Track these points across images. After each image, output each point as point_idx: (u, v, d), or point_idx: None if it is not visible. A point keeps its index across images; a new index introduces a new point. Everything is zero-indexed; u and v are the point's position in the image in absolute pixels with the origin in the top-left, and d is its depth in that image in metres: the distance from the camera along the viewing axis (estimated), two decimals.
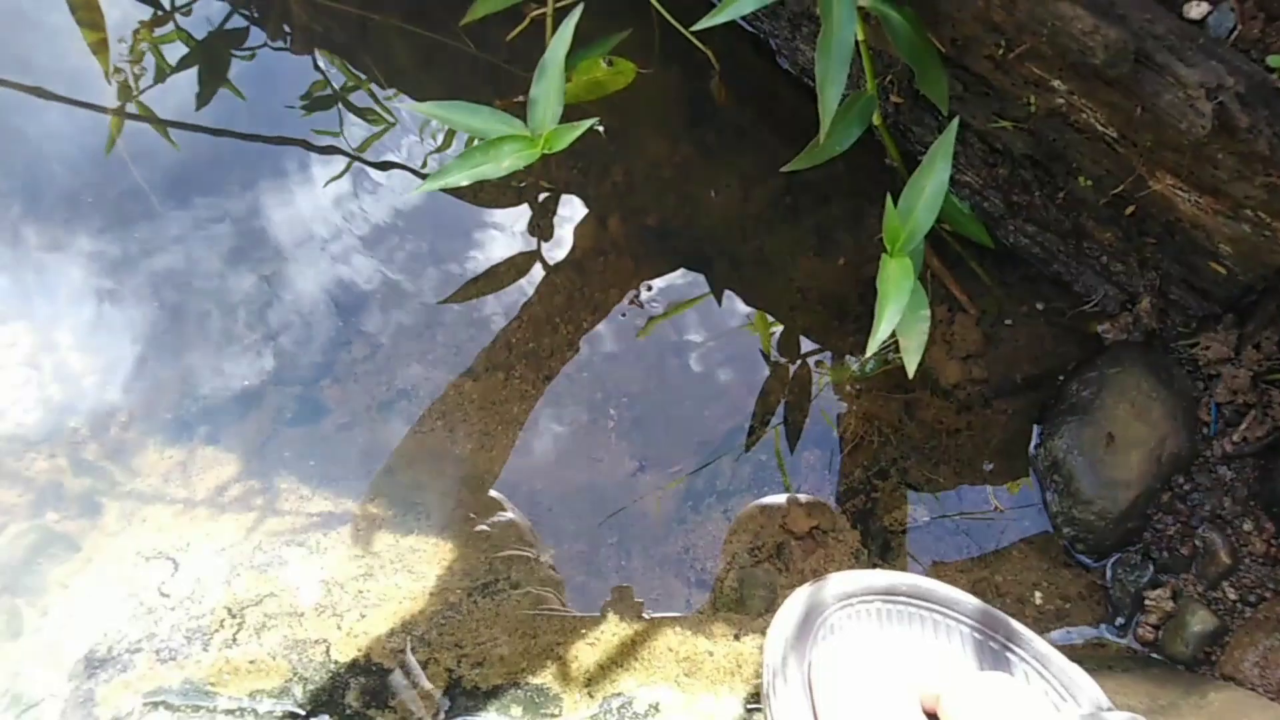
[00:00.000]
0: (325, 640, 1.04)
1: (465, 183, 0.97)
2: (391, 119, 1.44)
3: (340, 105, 1.45)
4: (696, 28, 0.89)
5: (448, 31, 1.41)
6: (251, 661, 1.00)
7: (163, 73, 1.48)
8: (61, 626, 1.02)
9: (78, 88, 1.44)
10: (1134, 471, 1.14)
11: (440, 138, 1.45)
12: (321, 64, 1.48)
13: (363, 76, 1.47)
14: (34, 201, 1.38)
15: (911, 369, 1.01)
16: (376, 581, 1.11)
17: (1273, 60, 0.92)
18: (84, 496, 1.15)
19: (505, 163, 0.98)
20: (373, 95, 1.48)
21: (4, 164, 1.40)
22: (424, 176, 1.37)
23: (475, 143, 1.01)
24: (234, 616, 1.04)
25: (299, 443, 1.25)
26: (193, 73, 1.46)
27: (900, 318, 0.97)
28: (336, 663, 1.02)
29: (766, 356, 1.31)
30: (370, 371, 1.30)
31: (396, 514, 1.21)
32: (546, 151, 1.00)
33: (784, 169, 1.05)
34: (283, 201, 1.40)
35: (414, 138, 1.44)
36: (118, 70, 1.46)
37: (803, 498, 1.21)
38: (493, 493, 1.23)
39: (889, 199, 0.98)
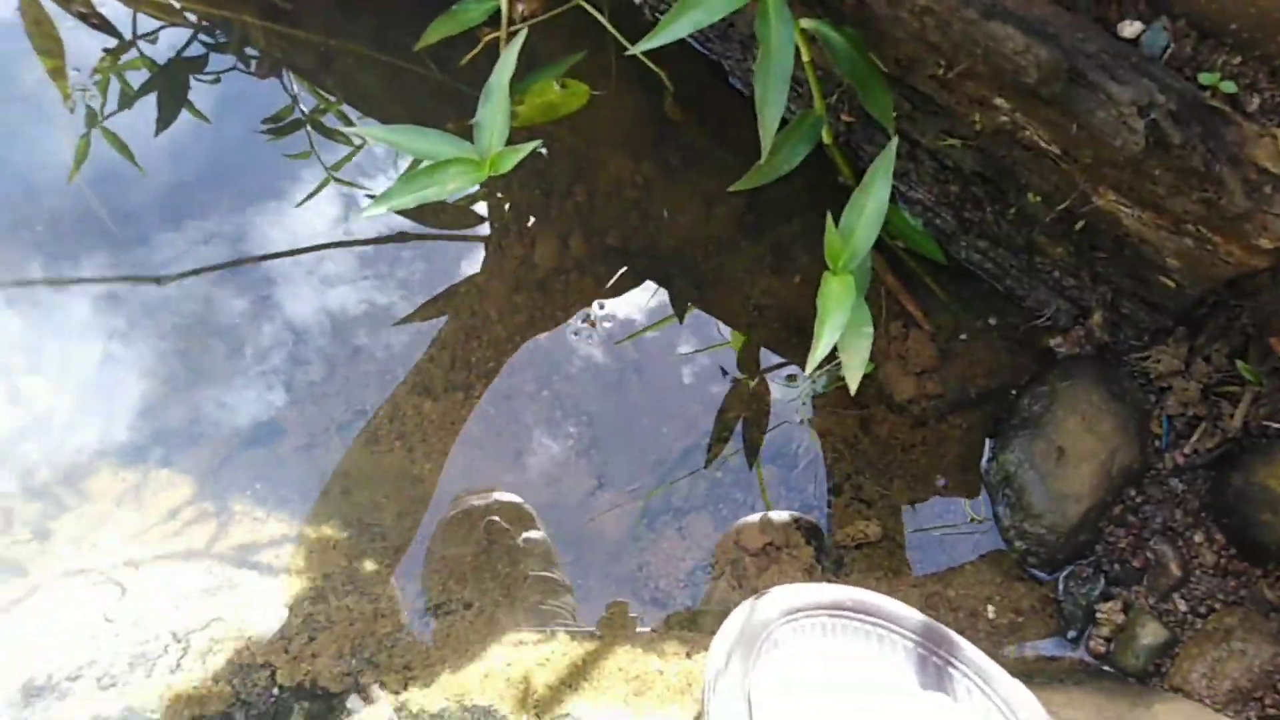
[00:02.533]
0: (271, 665, 1.03)
1: (410, 205, 0.97)
2: (360, 141, 1.45)
3: (309, 128, 1.46)
4: (637, 48, 0.90)
5: (410, 57, 1.42)
6: (195, 687, 0.99)
7: (126, 98, 1.48)
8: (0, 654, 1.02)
9: (36, 114, 1.45)
10: (1085, 485, 1.14)
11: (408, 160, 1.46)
12: (289, 88, 1.49)
13: (331, 99, 1.48)
14: None
15: (854, 385, 1.01)
16: (327, 604, 1.11)
17: (1204, 78, 0.93)
18: (34, 521, 1.15)
19: (450, 185, 0.98)
20: (343, 118, 1.48)
21: None
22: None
23: (422, 165, 1.01)
24: (179, 641, 1.03)
25: (255, 465, 1.25)
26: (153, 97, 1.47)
27: (842, 334, 0.97)
28: (281, 687, 1.02)
29: (724, 373, 1.31)
30: (328, 393, 1.30)
31: (351, 536, 1.21)
32: (493, 173, 1.00)
33: (730, 189, 1.06)
34: (245, 221, 1.41)
35: (383, 158, 1.45)
36: (75, 95, 1.46)
37: (757, 515, 1.22)
38: (449, 513, 1.23)
39: (829, 217, 0.98)
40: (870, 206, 1.00)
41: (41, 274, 1.35)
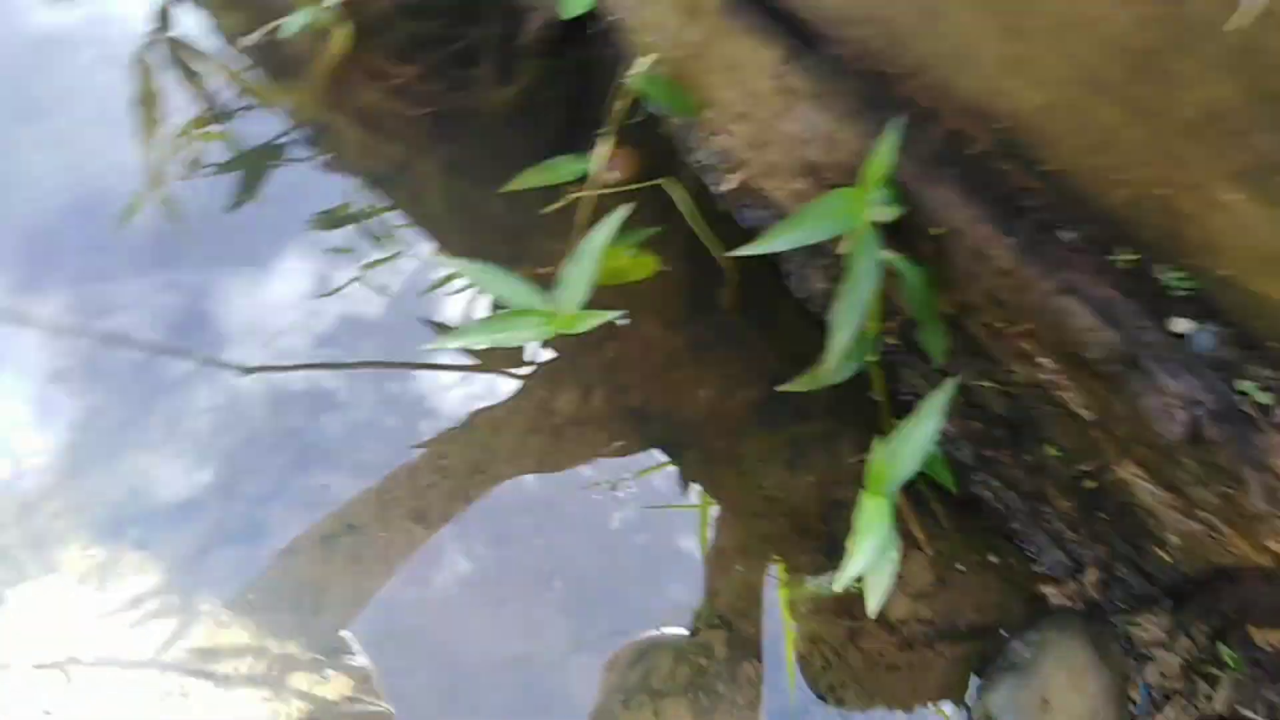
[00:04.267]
0: None
1: (483, 345, 0.98)
2: (399, 249, 1.46)
3: (357, 225, 1.47)
4: (737, 252, 0.94)
5: (480, 189, 1.46)
6: None
7: (198, 166, 1.48)
8: None
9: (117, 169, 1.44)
10: None
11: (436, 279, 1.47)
12: (350, 188, 1.51)
13: (386, 205, 1.50)
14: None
15: (874, 607, 1.02)
16: None
17: (1242, 384, 1.01)
18: None
19: (523, 334, 1.00)
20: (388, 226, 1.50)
21: None
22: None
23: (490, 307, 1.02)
24: None
25: (231, 564, 1.19)
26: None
27: (871, 555, 0.99)
28: None
29: (722, 554, 1.31)
30: (323, 502, 1.26)
31: (316, 658, 1.14)
32: (564, 331, 1.02)
33: (781, 388, 1.09)
34: (261, 310, 1.39)
35: (410, 266, 1.46)
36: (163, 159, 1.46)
37: (738, 713, 1.19)
38: (418, 649, 1.18)
39: (876, 442, 1.01)
40: (919, 435, 1.03)
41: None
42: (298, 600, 1.19)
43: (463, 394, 1.37)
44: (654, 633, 1.26)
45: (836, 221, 0.96)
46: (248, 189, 1.50)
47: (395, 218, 1.50)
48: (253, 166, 1.52)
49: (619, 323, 1.43)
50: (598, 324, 1.01)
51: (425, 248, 1.47)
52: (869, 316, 1.15)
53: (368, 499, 1.26)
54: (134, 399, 1.28)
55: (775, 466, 1.36)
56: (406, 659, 1.18)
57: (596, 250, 1.03)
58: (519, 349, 1.40)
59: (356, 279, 1.44)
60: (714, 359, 1.44)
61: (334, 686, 1.12)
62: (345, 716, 1.09)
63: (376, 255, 1.46)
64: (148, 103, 1.53)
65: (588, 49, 1.61)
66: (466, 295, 1.44)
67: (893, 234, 1.09)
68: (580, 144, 1.38)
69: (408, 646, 1.19)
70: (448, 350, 1.34)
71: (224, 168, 1.51)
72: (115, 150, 1.50)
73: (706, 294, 1.46)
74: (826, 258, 1.32)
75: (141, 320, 1.35)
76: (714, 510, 1.34)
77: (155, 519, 1.18)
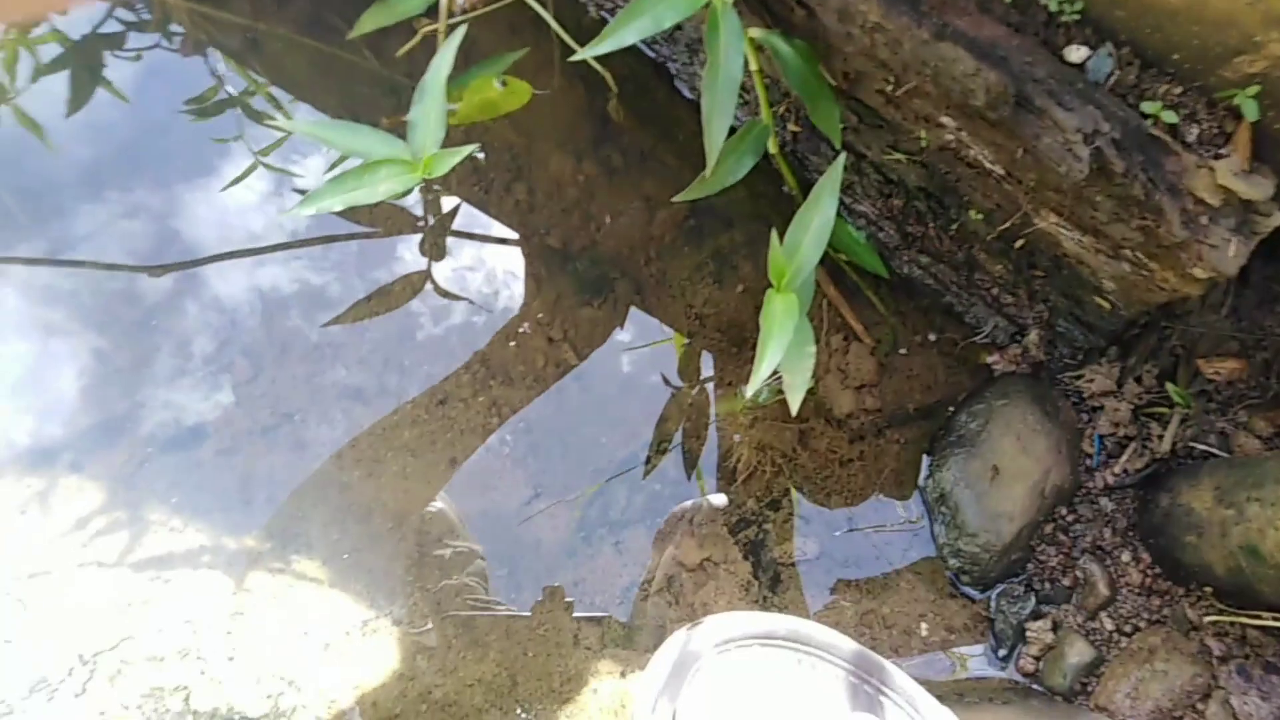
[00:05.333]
0: (186, 687, 0.99)
1: (339, 208, 0.93)
2: (289, 129, 1.38)
3: (240, 109, 1.39)
4: (583, 53, 0.87)
5: (343, 44, 1.36)
6: (101, 713, 0.94)
7: (37, 73, 1.39)
8: None
9: None
10: (1018, 504, 1.15)
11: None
12: (214, 69, 1.41)
13: (260, 81, 1.41)
14: None
15: (795, 406, 1.00)
16: (247, 621, 1.06)
17: (1147, 106, 0.94)
18: None
19: (381, 187, 0.94)
20: (272, 101, 1.42)
21: None
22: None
23: (349, 163, 0.96)
24: (85, 664, 0.98)
25: (172, 471, 1.19)
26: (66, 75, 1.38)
27: (785, 353, 0.96)
28: (196, 712, 0.97)
29: (666, 382, 1.29)
30: (254, 395, 1.25)
31: (275, 547, 1.16)
32: (426, 176, 0.96)
33: (674, 199, 1.03)
34: (174, 206, 1.34)
35: (313, 146, 1.39)
36: None
37: (694, 529, 1.20)
38: (378, 522, 1.19)
39: (773, 234, 0.97)
40: (816, 222, 0.98)
41: None
42: (248, 494, 1.19)
43: (375, 262, 1.33)
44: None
45: (682, 3, 0.88)
46: (91, 85, 1.40)
47: (268, 94, 1.42)
48: (91, 62, 1.42)
49: (518, 159, 1.36)
50: (458, 161, 0.95)
51: (303, 117, 1.39)
52: (758, 105, 1.08)
53: (297, 385, 1.25)
54: (37, 320, 1.25)
55: (703, 282, 1.32)
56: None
57: (440, 83, 0.96)
58: (402, 208, 1.34)
59: (254, 167, 1.37)
60: (626, 181, 1.38)
61: (289, 577, 1.14)
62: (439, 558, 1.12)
63: (268, 139, 1.38)
64: None
65: None
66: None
67: (758, 7, 1.00)
68: None
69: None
70: (319, 216, 1.29)
71: (57, 66, 1.41)
72: None
73: (601, 115, 1.38)
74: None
75: (36, 248, 1.31)
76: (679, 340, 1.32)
77: (86, 440, 1.17)
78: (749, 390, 0.92)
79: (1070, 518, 1.19)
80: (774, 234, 0.97)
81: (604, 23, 1.29)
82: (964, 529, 1.15)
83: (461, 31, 0.99)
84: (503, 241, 1.34)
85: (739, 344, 1.29)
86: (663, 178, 1.36)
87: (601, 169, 1.38)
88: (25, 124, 1.36)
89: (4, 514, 1.10)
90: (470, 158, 0.94)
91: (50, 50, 1.41)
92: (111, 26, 1.42)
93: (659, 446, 1.27)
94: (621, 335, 1.33)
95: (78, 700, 0.95)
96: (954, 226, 1.19)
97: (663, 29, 0.88)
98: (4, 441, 1.16)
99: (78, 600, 1.05)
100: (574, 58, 0.88)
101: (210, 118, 1.40)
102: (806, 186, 1.18)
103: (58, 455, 1.17)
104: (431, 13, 1.15)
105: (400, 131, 1.03)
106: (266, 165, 1.37)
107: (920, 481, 1.23)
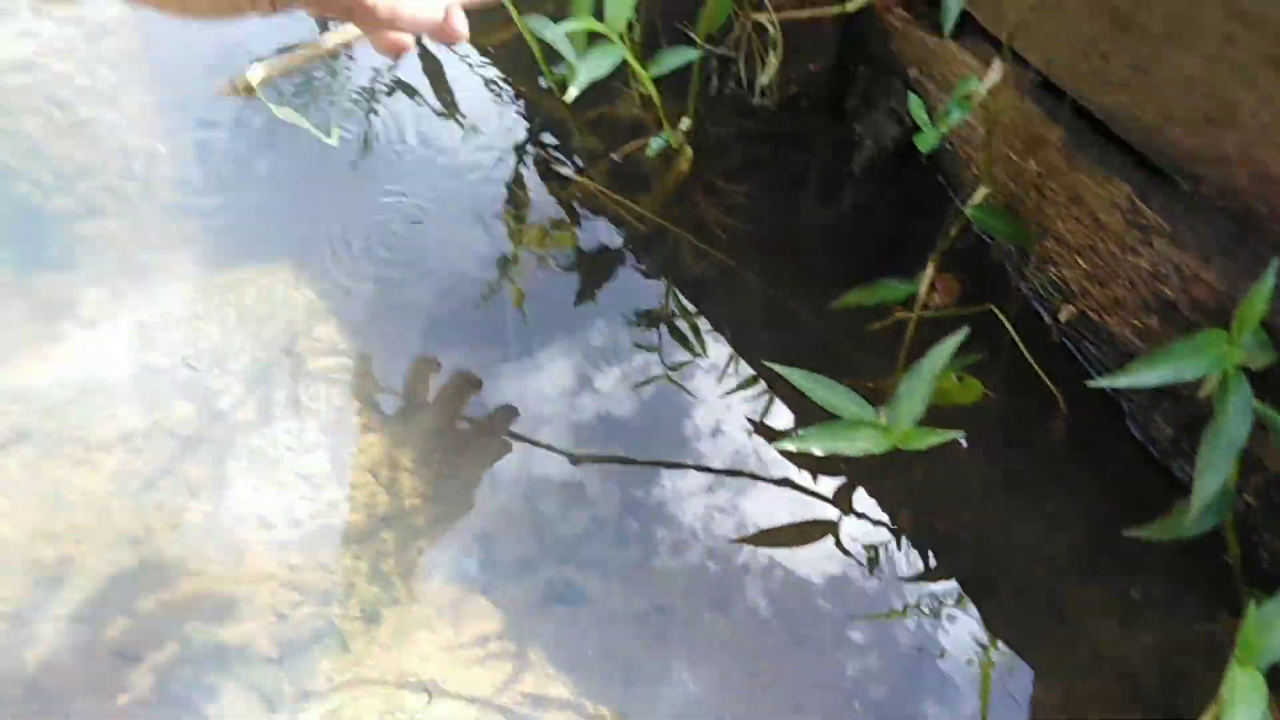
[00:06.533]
0: None
1: (819, 454, 1.03)
2: (701, 352, 1.54)
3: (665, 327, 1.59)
4: (1096, 384, 0.93)
5: (797, 301, 1.53)
6: None
7: (550, 266, 1.69)
8: None
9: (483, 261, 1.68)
10: None
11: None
12: (672, 293, 1.63)
13: (701, 311, 1.60)
14: None
15: None
16: None
17: None
18: (369, 602, 1.25)
19: (860, 444, 1.04)
20: (695, 329, 1.60)
21: None
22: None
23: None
24: None
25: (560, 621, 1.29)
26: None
27: None
28: None
29: None
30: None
31: None
32: (901, 446, 1.05)
33: (1130, 533, 1.03)
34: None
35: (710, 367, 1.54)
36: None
37: None
38: None
39: (1252, 605, 0.93)
40: None
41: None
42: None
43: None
44: None
45: (1205, 362, 0.93)
46: (586, 287, 1.67)
47: (706, 324, 1.60)
48: (594, 266, 1.69)
49: (934, 446, 1.42)
50: (937, 443, 1.03)
51: (728, 352, 1.55)
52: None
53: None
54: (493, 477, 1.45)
55: (1106, 621, 1.27)
56: None
57: (936, 368, 1.06)
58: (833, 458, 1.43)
59: (665, 375, 1.54)
60: (1033, 495, 1.39)
61: None
62: None
63: (683, 357, 1.56)
64: (516, 207, 1.78)
65: (912, 178, 1.68)
66: (763, 403, 1.50)
67: (1258, 383, 1.02)
68: (898, 269, 1.43)
69: None
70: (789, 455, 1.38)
71: (568, 267, 1.70)
72: (483, 246, 1.73)
73: (1026, 426, 1.42)
74: (1175, 400, 1.25)
75: (474, 405, 1.52)
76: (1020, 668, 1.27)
77: (497, 570, 1.32)
78: None
79: None
80: (1251, 607, 0.93)
81: (1063, 346, 1.35)
82: None
83: (965, 331, 1.10)
84: (891, 518, 1.39)
85: (1135, 698, 1.21)
86: (1074, 503, 1.36)
87: (1008, 474, 1.40)
88: (519, 300, 1.63)
89: (425, 611, 1.25)
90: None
91: (564, 251, 1.70)
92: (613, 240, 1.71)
93: None
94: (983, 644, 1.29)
95: None
96: None
97: (1182, 380, 0.92)
98: (442, 543, 1.33)
99: (472, 710, 1.15)
100: (1093, 383, 0.94)
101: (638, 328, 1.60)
102: (1246, 561, 1.13)
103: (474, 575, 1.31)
104: (909, 302, 1.29)
105: (865, 393, 1.14)
106: (675, 384, 1.52)
107: None
